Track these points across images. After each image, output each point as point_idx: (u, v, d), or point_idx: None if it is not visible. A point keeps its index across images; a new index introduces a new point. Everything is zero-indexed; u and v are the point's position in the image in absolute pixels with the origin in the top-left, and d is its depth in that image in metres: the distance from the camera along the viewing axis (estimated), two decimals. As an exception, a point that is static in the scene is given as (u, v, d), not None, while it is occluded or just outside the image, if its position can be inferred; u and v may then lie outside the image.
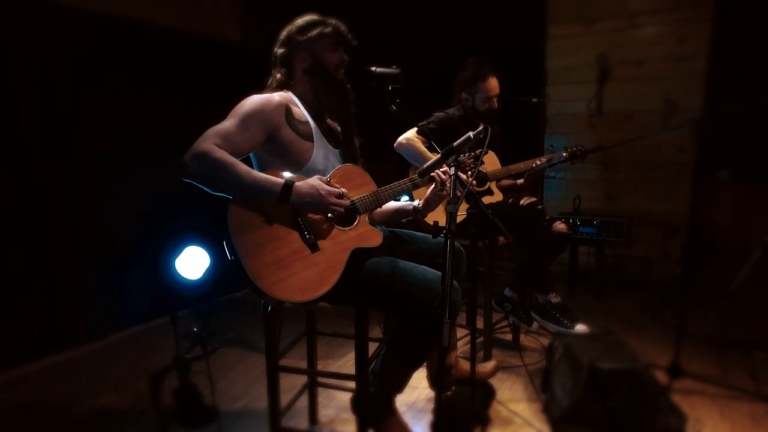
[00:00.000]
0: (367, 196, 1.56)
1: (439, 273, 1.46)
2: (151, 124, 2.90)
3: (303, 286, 1.39)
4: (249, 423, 2.03)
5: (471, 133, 1.34)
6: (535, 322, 2.40)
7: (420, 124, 2.47)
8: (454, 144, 1.33)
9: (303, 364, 1.98)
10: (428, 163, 1.40)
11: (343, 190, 1.47)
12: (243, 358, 2.62)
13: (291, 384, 2.10)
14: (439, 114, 2.51)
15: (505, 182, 2.64)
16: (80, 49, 2.63)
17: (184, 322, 2.13)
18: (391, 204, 1.71)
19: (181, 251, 1.96)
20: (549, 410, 2.02)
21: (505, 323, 2.86)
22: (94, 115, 2.71)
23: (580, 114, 3.83)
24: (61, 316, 2.61)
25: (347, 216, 1.52)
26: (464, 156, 1.73)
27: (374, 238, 1.54)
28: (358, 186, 1.58)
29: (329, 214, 1.44)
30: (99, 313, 2.76)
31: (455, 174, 1.27)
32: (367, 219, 1.57)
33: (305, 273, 1.41)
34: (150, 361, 2.52)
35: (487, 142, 1.34)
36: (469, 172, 1.74)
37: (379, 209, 1.69)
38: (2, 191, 2.39)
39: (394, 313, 1.48)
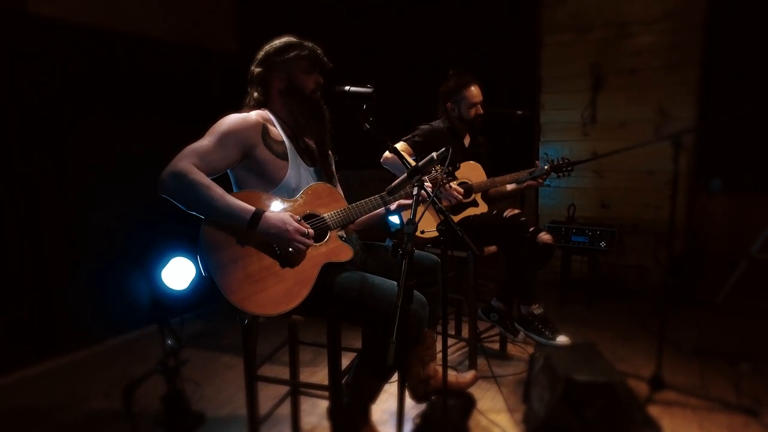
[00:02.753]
0: (337, 212, 1.61)
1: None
2: (145, 135, 2.98)
3: (274, 300, 1.44)
4: (233, 429, 2.08)
5: (434, 154, 1.38)
6: (521, 333, 2.43)
7: (405, 137, 2.53)
8: (419, 164, 1.37)
9: (287, 372, 2.03)
10: (396, 182, 1.44)
11: (311, 231, 1.51)
12: (233, 364, 2.67)
13: (277, 392, 2.15)
14: (424, 127, 2.55)
15: (494, 190, 2.65)
16: (75, 62, 2.72)
17: (172, 329, 2.19)
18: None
19: (168, 262, 2.02)
20: (527, 421, 2.05)
21: (493, 333, 2.89)
22: (88, 126, 2.79)
23: (574, 122, 3.84)
24: (55, 322, 2.69)
25: (318, 232, 1.57)
26: (436, 171, 1.78)
27: (345, 253, 1.58)
28: (328, 203, 1.63)
29: (290, 249, 1.48)
30: (92, 320, 2.84)
31: (417, 194, 1.31)
32: (337, 235, 1.61)
33: (276, 288, 1.45)
34: (141, 367, 2.58)
35: (448, 161, 1.37)
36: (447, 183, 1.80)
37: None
38: None
39: (362, 326, 1.51)
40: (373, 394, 1.63)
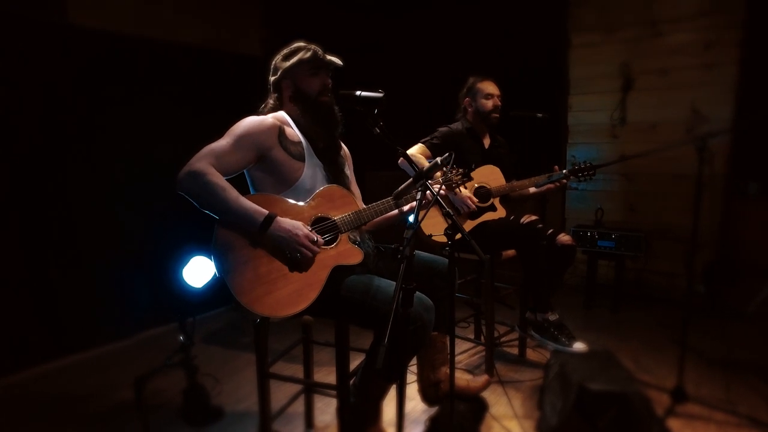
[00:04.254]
0: (348, 215, 1.63)
1: (417, 293, 1.52)
2: (173, 137, 3.08)
3: (283, 302, 1.48)
4: (249, 423, 2.14)
5: (438, 159, 1.39)
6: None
7: (423, 139, 2.54)
8: (423, 169, 1.38)
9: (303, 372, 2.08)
10: (402, 186, 1.46)
11: (320, 239, 1.54)
12: (253, 362, 2.73)
13: (293, 390, 2.20)
14: (442, 129, 2.55)
15: (515, 193, 2.61)
16: (110, 69, 2.87)
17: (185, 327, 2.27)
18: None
19: (188, 260, 2.09)
20: (540, 429, 2.02)
21: (512, 337, 2.86)
22: (120, 128, 2.93)
23: (602, 124, 3.75)
24: (89, 316, 2.84)
25: (329, 235, 1.60)
26: (452, 173, 1.79)
27: (354, 256, 1.61)
28: (340, 206, 1.65)
29: (298, 254, 1.51)
30: (122, 315, 2.99)
31: (420, 198, 1.32)
32: (348, 238, 1.63)
33: (285, 290, 1.49)
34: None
35: (451, 162, 1.38)
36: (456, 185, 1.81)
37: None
38: (33, 196, 2.63)
39: (367, 328, 1.53)
40: (379, 395, 1.65)
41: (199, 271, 2.10)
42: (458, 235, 1.36)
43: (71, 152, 2.75)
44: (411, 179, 1.40)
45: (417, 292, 1.52)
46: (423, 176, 1.36)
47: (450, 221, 1.45)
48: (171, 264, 2.15)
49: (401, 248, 1.16)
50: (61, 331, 2.74)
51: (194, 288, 2.07)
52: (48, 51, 2.62)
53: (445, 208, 1.41)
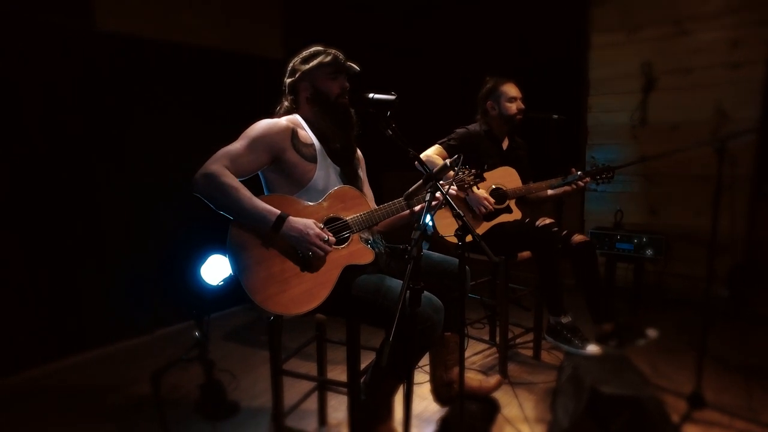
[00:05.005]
0: (360, 215, 1.66)
1: (425, 293, 1.54)
2: (196, 138, 3.16)
3: (295, 300, 1.51)
4: (264, 419, 2.18)
5: (447, 161, 1.41)
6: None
7: (440, 141, 2.55)
8: (433, 171, 1.39)
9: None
10: (413, 187, 1.47)
11: (331, 238, 1.57)
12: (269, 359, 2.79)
13: (307, 387, 2.24)
14: (459, 130, 2.56)
15: (532, 195, 2.59)
16: (136, 73, 2.97)
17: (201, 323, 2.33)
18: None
19: (206, 259, 2.15)
20: (551, 431, 2.01)
21: (527, 339, 2.84)
22: (145, 131, 3.02)
23: (622, 125, 3.69)
24: (112, 312, 2.94)
25: (340, 235, 1.63)
26: (464, 173, 1.80)
27: (366, 256, 1.63)
28: (352, 206, 1.68)
29: (310, 253, 1.54)
30: (143, 312, 3.08)
31: (430, 200, 1.34)
32: (360, 238, 1.66)
33: (297, 289, 1.52)
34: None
35: (459, 164, 1.39)
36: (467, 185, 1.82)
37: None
38: (63, 198, 2.74)
39: (378, 327, 1.55)
40: (389, 393, 1.67)
41: (216, 269, 2.15)
42: (469, 237, 1.37)
43: (100, 154, 2.85)
44: (420, 181, 1.42)
45: (427, 293, 1.54)
46: (432, 177, 1.38)
47: (460, 222, 1.46)
48: (190, 262, 2.22)
49: (408, 248, 1.18)
50: (84, 326, 2.84)
51: (211, 285, 2.13)
52: (80, 56, 2.73)
53: (455, 209, 1.42)
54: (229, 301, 3.55)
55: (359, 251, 1.63)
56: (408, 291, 1.19)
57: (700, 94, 3.39)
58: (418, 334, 1.45)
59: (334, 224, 1.64)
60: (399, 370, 1.57)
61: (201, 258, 2.15)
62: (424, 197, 1.45)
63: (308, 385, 2.25)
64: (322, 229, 1.56)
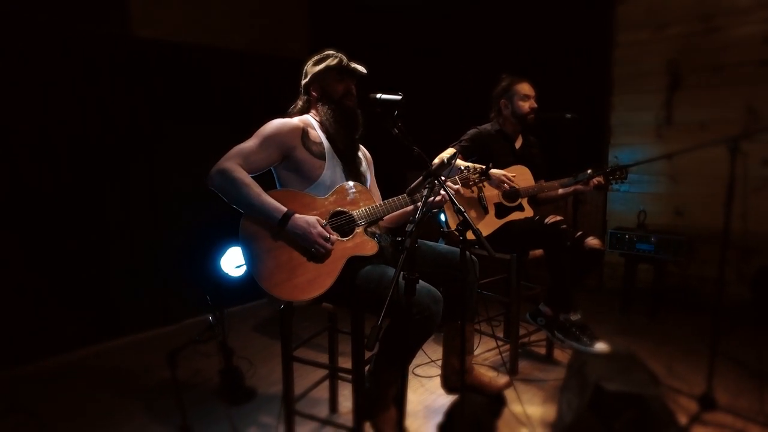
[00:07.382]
0: (364, 209, 1.74)
1: (425, 284, 1.60)
2: (224, 138, 3.30)
3: (300, 288, 1.60)
4: (278, 405, 2.28)
5: (445, 158, 1.46)
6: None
7: (454, 143, 2.58)
8: (432, 168, 1.45)
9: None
10: (414, 183, 1.53)
11: (333, 237, 1.65)
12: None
13: (319, 375, 2.32)
14: (471, 131, 2.59)
15: (544, 194, 2.61)
16: (169, 75, 3.15)
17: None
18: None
19: (225, 251, 2.27)
20: (555, 426, 2.03)
21: (540, 337, 2.85)
22: (176, 130, 3.20)
23: (647, 124, 3.63)
24: (142, 302, 3.14)
25: (346, 228, 1.71)
26: (468, 172, 1.84)
27: (370, 247, 1.71)
28: (357, 201, 1.76)
29: (312, 249, 1.62)
30: (173, 302, 3.27)
31: (428, 195, 1.39)
32: (365, 231, 1.73)
33: (303, 277, 1.61)
34: (210, 344, 2.91)
35: (454, 162, 1.44)
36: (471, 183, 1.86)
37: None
38: (97, 196, 2.94)
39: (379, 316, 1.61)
40: (391, 382, 1.73)
41: (234, 260, 2.27)
42: (470, 235, 1.41)
43: (131, 154, 3.04)
44: (420, 178, 1.48)
45: (426, 284, 1.60)
46: (432, 174, 1.44)
47: (461, 218, 1.51)
48: (212, 255, 2.34)
49: (402, 239, 1.24)
50: (116, 315, 3.05)
51: (229, 275, 2.24)
52: (117, 60, 2.92)
53: (456, 205, 1.47)
54: (252, 295, 3.68)
55: (363, 243, 1.71)
56: (403, 281, 1.25)
57: (729, 92, 3.30)
58: (414, 324, 1.51)
59: (340, 217, 1.72)
60: (397, 359, 1.63)
61: (220, 250, 2.27)
62: (423, 193, 1.50)
63: (321, 373, 2.34)
64: (324, 226, 1.64)
